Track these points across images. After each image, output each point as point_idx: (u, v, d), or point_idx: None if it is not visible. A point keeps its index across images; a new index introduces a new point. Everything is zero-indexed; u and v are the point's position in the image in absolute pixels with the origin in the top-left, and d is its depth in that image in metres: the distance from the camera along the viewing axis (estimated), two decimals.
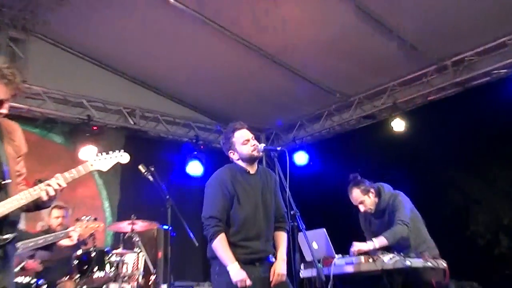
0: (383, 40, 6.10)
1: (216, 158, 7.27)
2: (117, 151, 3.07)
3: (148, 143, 7.58)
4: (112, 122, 7.27)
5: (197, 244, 4.80)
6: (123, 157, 3.07)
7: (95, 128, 6.85)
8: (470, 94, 6.34)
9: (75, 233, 4.34)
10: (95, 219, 4.61)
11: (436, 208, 5.28)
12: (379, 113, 7.36)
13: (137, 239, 5.32)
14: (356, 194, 4.41)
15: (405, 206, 4.30)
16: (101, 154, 3.00)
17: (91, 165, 2.91)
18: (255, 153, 3.48)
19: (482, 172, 6.20)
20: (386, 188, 4.46)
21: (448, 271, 3.85)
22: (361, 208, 4.40)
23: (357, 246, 4.12)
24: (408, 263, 3.70)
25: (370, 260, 3.87)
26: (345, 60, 6.61)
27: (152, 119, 7.72)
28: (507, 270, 5.69)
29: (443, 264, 3.89)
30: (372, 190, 4.39)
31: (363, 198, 4.39)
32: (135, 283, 5.03)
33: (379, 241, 4.11)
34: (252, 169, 3.53)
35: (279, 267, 3.33)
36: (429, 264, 3.85)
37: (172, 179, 7.49)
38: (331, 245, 4.20)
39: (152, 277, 5.34)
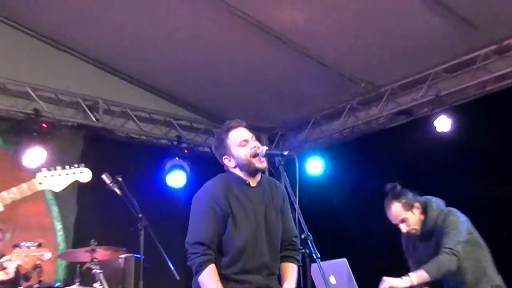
0: (424, 13, 6.10)
1: (204, 165, 7.30)
2: (75, 166, 3.07)
3: (114, 146, 7.59)
4: (67, 118, 7.26)
5: (178, 278, 4.79)
6: (83, 175, 3.07)
7: (44, 125, 6.84)
8: None
9: (12, 263, 4.30)
10: (40, 245, 4.58)
11: (496, 232, 5.24)
12: (417, 109, 7.36)
13: (99, 271, 5.30)
14: (396, 210, 4.39)
15: (459, 228, 4.27)
16: (54, 169, 2.99)
17: (40, 183, 2.91)
18: (256, 163, 3.46)
19: None
20: (435, 203, 4.44)
21: None
22: (403, 228, 4.40)
23: (388, 282, 4.10)
24: None
25: None
26: (374, 40, 6.61)
27: (120, 114, 7.72)
28: None
29: None
30: (417, 204, 4.39)
31: (406, 215, 4.38)
32: None
33: (418, 276, 4.10)
34: (253, 181, 3.53)
35: None
36: None
37: (147, 192, 7.49)
38: (354, 281, 4.19)
39: None
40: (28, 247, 4.41)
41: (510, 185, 6.33)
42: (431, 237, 4.37)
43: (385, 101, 7.53)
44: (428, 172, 6.55)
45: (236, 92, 7.74)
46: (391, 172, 6.98)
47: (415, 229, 4.39)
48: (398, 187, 4.48)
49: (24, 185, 2.82)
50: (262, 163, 3.49)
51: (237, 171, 3.53)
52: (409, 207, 4.38)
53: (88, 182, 6.68)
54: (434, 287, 4.06)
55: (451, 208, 4.42)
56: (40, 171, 3.11)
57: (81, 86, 7.40)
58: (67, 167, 3.02)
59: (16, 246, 4.47)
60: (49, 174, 2.95)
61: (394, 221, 4.43)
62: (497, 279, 4.30)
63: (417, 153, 6.80)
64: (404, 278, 4.11)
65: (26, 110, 6.89)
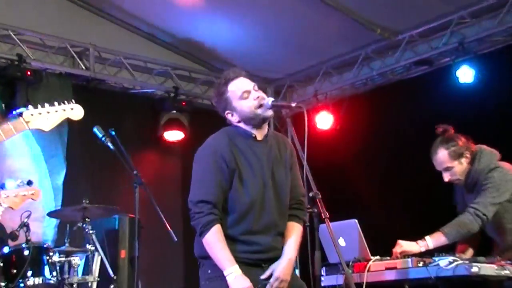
0: None
1: (204, 119, 7.31)
2: (64, 103, 3.04)
3: (106, 97, 7.59)
4: (54, 66, 7.22)
5: (176, 240, 4.83)
6: (75, 112, 3.03)
7: (28, 73, 6.80)
8: None
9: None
10: (30, 182, 4.55)
11: None
12: (438, 58, 7.30)
13: (91, 231, 5.36)
14: (442, 157, 4.37)
15: (500, 187, 4.24)
16: (41, 107, 2.96)
17: (27, 122, 2.86)
18: (262, 112, 3.44)
19: None
20: (487, 154, 4.39)
21: None
22: (445, 177, 4.40)
23: (401, 246, 4.13)
24: (475, 269, 3.72)
25: (421, 264, 3.88)
26: None
27: (113, 62, 7.69)
28: None
29: None
30: (467, 154, 4.36)
31: (451, 164, 4.36)
32: None
33: (435, 240, 4.13)
34: (259, 134, 3.52)
35: (281, 269, 3.34)
36: (507, 272, 3.85)
37: (142, 148, 7.51)
38: (365, 243, 4.21)
39: (112, 286, 5.41)
40: (18, 186, 4.39)
41: None
42: (473, 189, 4.37)
43: (402, 49, 7.46)
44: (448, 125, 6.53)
45: (240, 40, 7.67)
46: (407, 128, 6.99)
47: (459, 179, 4.39)
48: (450, 131, 4.44)
49: (9, 125, 2.77)
50: (268, 111, 3.46)
51: (242, 126, 3.51)
52: (457, 156, 4.34)
53: (77, 136, 6.79)
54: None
55: (504, 163, 4.37)
56: (27, 109, 3.05)
57: (70, 31, 7.33)
58: (55, 103, 2.98)
59: (1, 188, 4.44)
60: (36, 112, 2.91)
61: (437, 168, 4.43)
62: None
63: (437, 106, 6.77)
64: (420, 242, 4.14)
65: (8, 56, 6.85)
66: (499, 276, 3.85)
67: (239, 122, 3.50)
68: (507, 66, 6.62)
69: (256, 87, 3.53)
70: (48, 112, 2.95)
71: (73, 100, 3.10)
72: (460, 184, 4.44)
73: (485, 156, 4.38)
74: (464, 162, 4.36)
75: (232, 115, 3.51)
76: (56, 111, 2.97)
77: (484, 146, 4.46)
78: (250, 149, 3.47)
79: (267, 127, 3.57)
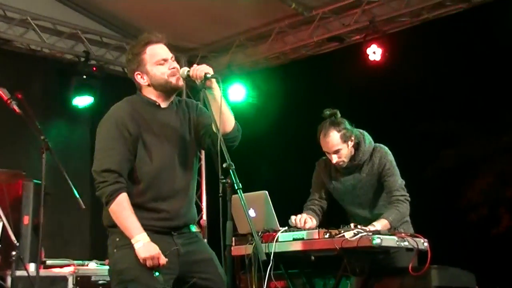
0: None
1: (115, 86, 7.19)
2: None
3: (12, 58, 7.37)
4: None
5: (83, 207, 4.73)
6: None
7: None
8: (478, 13, 6.48)
9: None
10: None
11: (417, 169, 5.48)
12: (349, 35, 7.42)
13: None
14: (333, 140, 4.42)
15: (395, 165, 4.46)
16: None
17: None
18: (174, 81, 3.41)
19: (485, 121, 6.48)
20: (368, 138, 4.55)
21: (430, 253, 4.02)
22: (334, 159, 4.46)
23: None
24: (377, 241, 3.83)
25: (327, 235, 3.97)
26: None
27: (20, 23, 7.38)
28: (504, 256, 6.08)
29: (423, 244, 4.06)
30: (353, 137, 4.46)
31: (341, 147, 4.43)
32: None
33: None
34: (164, 102, 3.50)
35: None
36: (406, 243, 3.99)
37: (50, 112, 7.32)
38: (274, 215, 4.26)
39: (14, 253, 5.25)
40: None
41: (437, 120, 6.61)
42: (361, 169, 4.49)
43: (315, 25, 7.52)
44: (356, 103, 6.70)
45: (154, 6, 7.52)
46: (319, 102, 7.09)
47: (343, 161, 4.48)
48: (338, 115, 4.50)
49: None
50: (179, 81, 3.44)
51: (148, 91, 3.47)
52: (346, 139, 4.42)
53: None
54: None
55: (382, 145, 4.54)
56: None
57: None
58: None
59: None
60: None
61: (326, 150, 4.48)
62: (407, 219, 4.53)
63: (348, 82, 6.92)
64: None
65: None
66: (399, 247, 3.97)
67: (147, 85, 3.45)
68: (413, 46, 6.83)
69: (173, 59, 3.49)
70: None
71: None
72: (341, 166, 4.52)
73: (367, 138, 4.53)
74: (350, 146, 4.46)
75: (142, 77, 3.46)
76: None
77: (362, 130, 4.57)
78: (155, 117, 3.44)
79: (173, 96, 3.54)
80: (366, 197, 4.54)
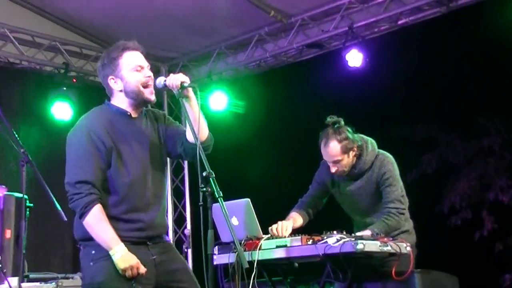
0: None
1: (95, 97, 7.12)
2: None
3: None
4: None
5: (65, 219, 4.69)
6: None
7: None
8: (456, 17, 6.53)
9: None
10: None
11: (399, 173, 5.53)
12: (328, 41, 7.44)
13: None
14: (333, 150, 4.37)
15: (398, 177, 4.44)
16: None
17: None
18: (147, 94, 3.43)
19: (465, 125, 6.53)
20: (370, 145, 4.49)
21: (413, 258, 4.04)
22: (332, 168, 4.43)
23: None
24: (360, 246, 3.84)
25: (310, 242, 3.98)
26: None
27: None
28: (487, 261, 6.13)
29: (406, 248, 4.07)
30: (355, 148, 4.40)
31: (341, 158, 4.39)
32: None
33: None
34: (134, 112, 3.50)
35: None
36: (388, 248, 4.00)
37: (29, 125, 7.27)
38: (257, 222, 4.26)
39: None
40: None
41: (419, 124, 6.65)
42: (362, 176, 4.48)
43: (295, 32, 7.53)
44: (336, 109, 6.72)
45: (134, 17, 7.51)
46: (300, 109, 7.12)
47: (343, 171, 4.46)
48: (341, 123, 4.45)
49: None
50: (152, 95, 3.45)
51: (119, 98, 3.46)
52: (346, 150, 4.37)
53: None
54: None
55: (387, 154, 4.51)
56: None
57: None
58: None
59: None
60: None
61: (326, 159, 4.45)
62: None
63: (328, 89, 6.94)
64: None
65: None
66: (382, 252, 3.98)
67: (120, 91, 3.44)
68: (391, 52, 6.86)
69: (149, 68, 3.50)
70: None
71: None
72: (342, 174, 4.51)
73: (370, 146, 4.49)
74: (351, 156, 4.42)
75: (116, 82, 3.45)
76: None
77: (366, 137, 4.55)
78: (127, 126, 3.44)
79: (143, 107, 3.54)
80: (364, 204, 4.54)
